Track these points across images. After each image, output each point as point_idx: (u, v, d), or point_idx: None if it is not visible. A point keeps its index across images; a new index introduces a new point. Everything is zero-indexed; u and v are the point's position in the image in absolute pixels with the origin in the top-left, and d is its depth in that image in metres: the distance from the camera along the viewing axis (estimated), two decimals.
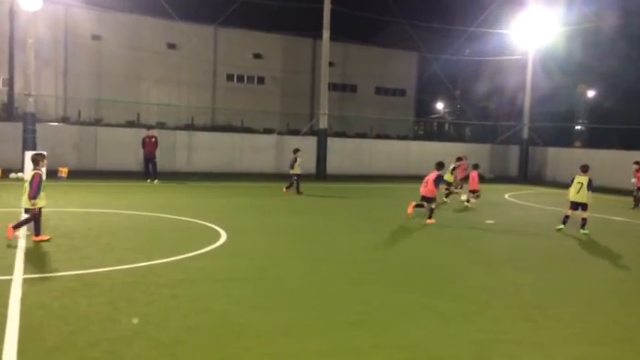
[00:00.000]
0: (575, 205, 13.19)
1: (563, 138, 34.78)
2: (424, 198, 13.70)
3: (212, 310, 6.20)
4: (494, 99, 47.69)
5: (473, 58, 38.38)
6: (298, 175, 19.16)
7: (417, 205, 13.73)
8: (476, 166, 18.29)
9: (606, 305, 7.27)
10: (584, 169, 13.28)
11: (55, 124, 26.95)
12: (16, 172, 20.25)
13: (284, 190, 19.13)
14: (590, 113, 39.88)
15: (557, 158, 30.53)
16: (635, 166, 18.99)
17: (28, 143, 21.48)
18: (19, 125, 22.44)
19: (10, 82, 32.28)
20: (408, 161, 30.07)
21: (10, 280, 6.89)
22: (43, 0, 21.41)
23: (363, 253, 9.99)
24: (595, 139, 34.12)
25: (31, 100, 22.08)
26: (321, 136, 27.24)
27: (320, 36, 27.98)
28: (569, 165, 29.00)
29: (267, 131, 32.71)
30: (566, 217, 13.34)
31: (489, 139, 33.81)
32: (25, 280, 6.95)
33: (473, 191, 17.73)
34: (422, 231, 12.66)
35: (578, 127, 38.23)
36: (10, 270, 7.39)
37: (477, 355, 5.23)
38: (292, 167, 19.19)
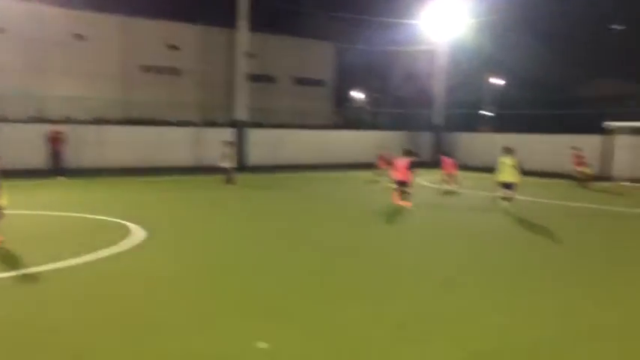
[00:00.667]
0: (505, 185, 14.16)
1: (473, 124, 36.51)
2: (402, 183, 14.49)
3: (127, 311, 6.03)
4: (408, 88, 49.23)
5: (387, 48, 39.32)
6: (227, 168, 19.42)
7: (402, 193, 14.49)
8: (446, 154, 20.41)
9: (525, 278, 7.75)
10: (507, 151, 14.27)
11: None
12: None
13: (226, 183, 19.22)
14: (498, 100, 42.07)
15: (468, 143, 32.01)
16: (573, 151, 21.21)
17: None
18: None
19: None
20: (329, 150, 30.43)
21: None
22: None
23: (280, 242, 10.04)
24: (503, 125, 36.09)
25: None
26: (240, 128, 26.99)
27: (236, 26, 27.59)
28: (479, 149, 30.65)
29: (184, 124, 31.92)
30: (501, 197, 14.20)
31: (405, 126, 34.86)
32: None
33: (449, 175, 19.14)
34: (348, 217, 12.90)
35: (486, 114, 40.22)
36: None
37: (396, 332, 5.43)
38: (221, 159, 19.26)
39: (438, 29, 31.63)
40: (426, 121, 33.68)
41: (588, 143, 23.76)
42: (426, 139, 33.35)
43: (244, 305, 6.24)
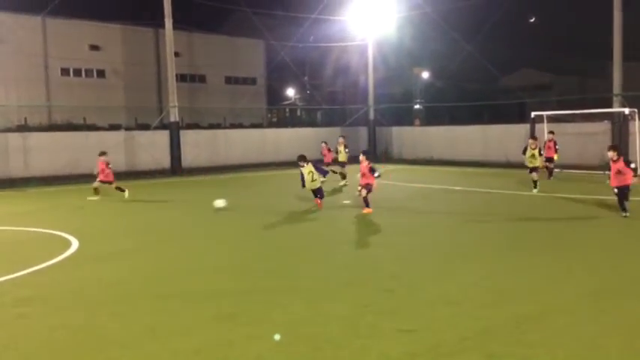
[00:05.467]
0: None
1: (405, 117, 37.38)
2: (368, 186, 13.02)
3: (69, 325, 5.80)
4: (340, 83, 49.76)
5: (317, 44, 39.53)
6: None
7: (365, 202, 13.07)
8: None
9: (458, 268, 8.07)
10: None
11: None
12: None
13: None
14: (425, 93, 43.29)
15: (401, 136, 32.78)
16: (550, 136, 19.50)
17: None
18: None
19: None
20: (265, 149, 30.27)
21: None
22: None
23: (220, 246, 9.96)
24: (431, 117, 37.21)
25: None
26: (173, 129, 26.39)
27: (162, 25, 26.88)
28: (413, 142, 31.51)
29: (114, 127, 30.80)
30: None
31: (339, 122, 35.22)
32: None
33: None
34: (287, 215, 12.91)
35: (416, 107, 41.27)
36: None
37: (346, 329, 5.53)
38: None
39: (367, 24, 32.16)
40: (362, 116, 34.18)
41: (517, 132, 24.88)
42: (362, 134, 33.85)
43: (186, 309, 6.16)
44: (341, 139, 20.12)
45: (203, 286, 7.21)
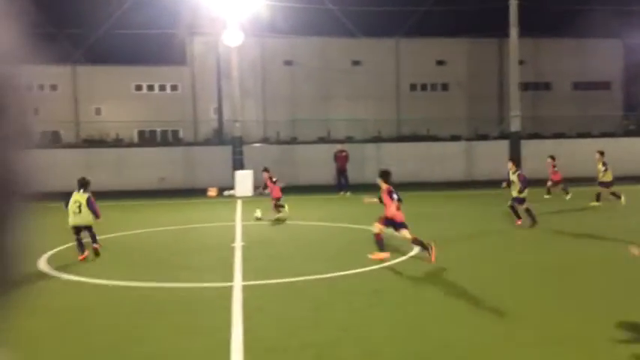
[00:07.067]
0: None
1: None
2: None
3: (409, 320, 6.26)
4: None
5: None
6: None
7: None
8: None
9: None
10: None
11: (258, 145, 29.70)
12: (228, 190, 22.75)
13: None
14: None
15: None
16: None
17: (237, 164, 24.04)
18: (229, 148, 25.22)
19: (219, 111, 36.51)
20: (617, 160, 26.86)
21: (231, 287, 7.76)
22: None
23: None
24: None
25: (237, 125, 24.72)
26: (514, 140, 25.79)
27: (506, 35, 26.62)
28: None
29: (455, 138, 32.02)
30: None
31: None
32: (244, 287, 7.77)
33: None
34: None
35: None
36: (230, 277, 8.33)
37: None
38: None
39: None
40: None
41: None
42: None
43: None
44: None
45: None
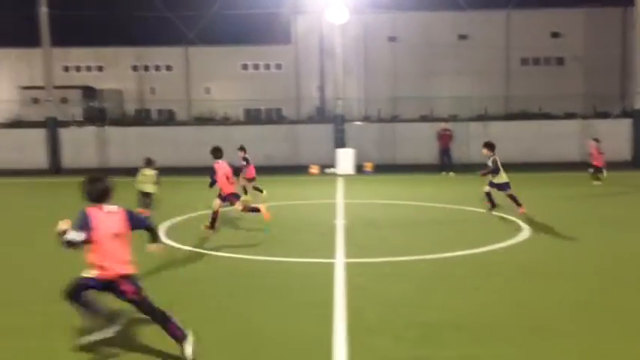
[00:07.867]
0: None
1: None
2: None
3: (515, 303, 6.01)
4: None
5: None
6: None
7: None
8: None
9: None
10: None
11: (359, 123, 29.66)
12: (330, 167, 23.01)
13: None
14: None
15: None
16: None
17: (339, 142, 24.21)
18: (331, 126, 25.43)
19: (321, 89, 36.92)
20: None
21: (333, 264, 7.86)
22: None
23: None
24: None
25: (340, 103, 24.83)
26: (638, 118, 23.69)
27: (631, 2, 24.27)
28: None
29: (569, 116, 29.98)
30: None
31: None
32: (346, 264, 7.84)
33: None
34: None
35: None
36: (332, 254, 8.44)
37: None
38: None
39: None
40: None
41: None
42: None
43: None
44: None
45: None
